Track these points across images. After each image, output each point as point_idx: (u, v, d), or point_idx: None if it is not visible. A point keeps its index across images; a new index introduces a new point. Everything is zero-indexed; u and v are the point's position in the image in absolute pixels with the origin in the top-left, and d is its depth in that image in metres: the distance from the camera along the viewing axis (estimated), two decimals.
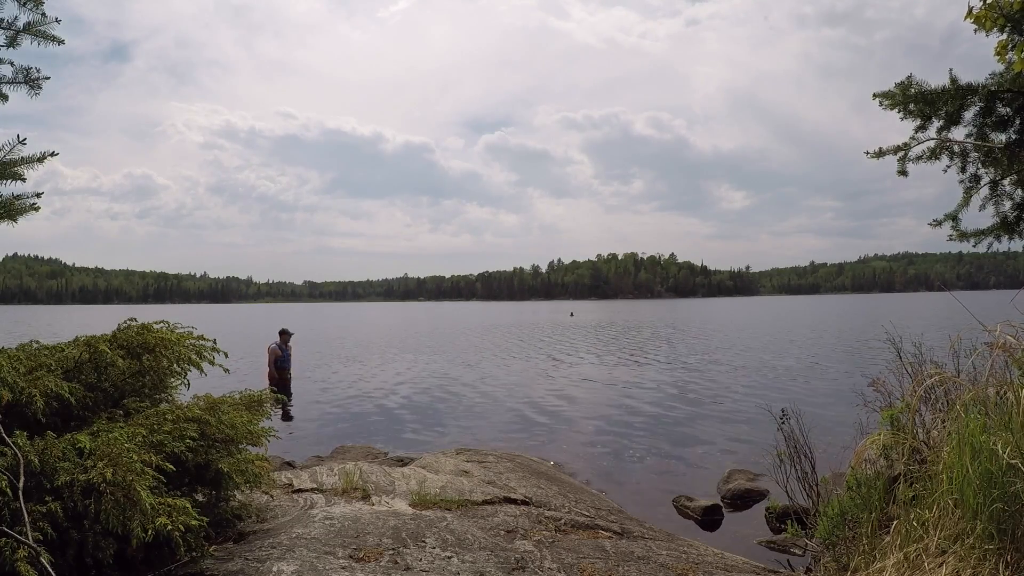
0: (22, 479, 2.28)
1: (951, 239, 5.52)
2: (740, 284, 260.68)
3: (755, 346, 22.01)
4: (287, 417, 10.07)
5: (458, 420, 9.83)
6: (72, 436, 2.65)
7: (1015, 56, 3.67)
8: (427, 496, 4.17)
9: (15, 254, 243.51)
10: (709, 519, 5.34)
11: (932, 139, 5.20)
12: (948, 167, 5.32)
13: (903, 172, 5.36)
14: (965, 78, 4.92)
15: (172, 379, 3.60)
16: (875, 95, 5.22)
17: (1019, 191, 5.17)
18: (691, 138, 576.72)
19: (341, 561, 2.85)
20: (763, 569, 3.55)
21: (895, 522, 2.72)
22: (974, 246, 5.53)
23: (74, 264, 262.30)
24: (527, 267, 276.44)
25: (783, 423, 4.79)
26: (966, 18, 3.67)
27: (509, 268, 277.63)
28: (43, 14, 3.34)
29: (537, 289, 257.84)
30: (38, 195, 3.62)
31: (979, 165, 5.26)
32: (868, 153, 5.43)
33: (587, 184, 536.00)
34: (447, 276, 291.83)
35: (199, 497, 3.20)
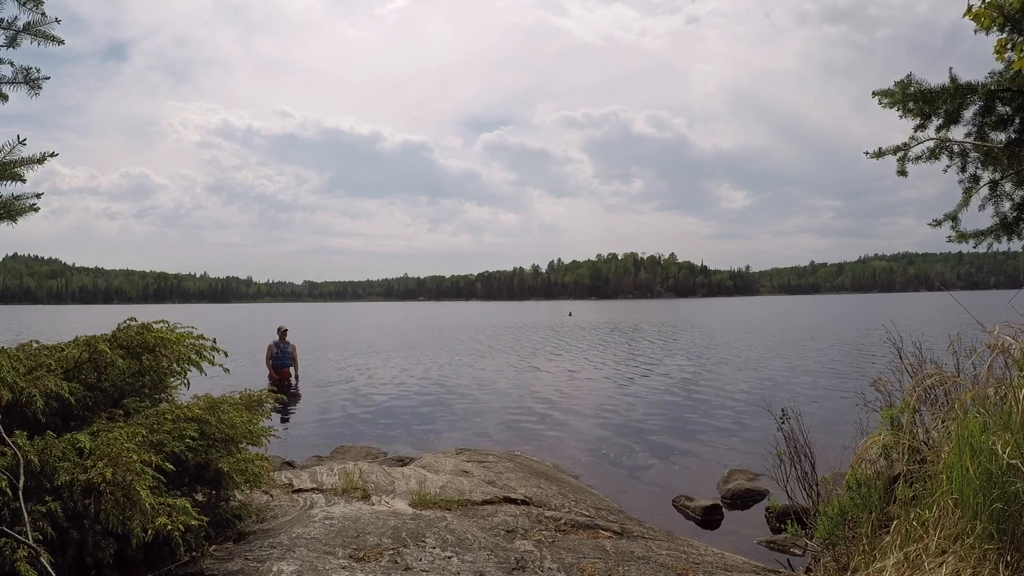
0: (22, 479, 2.28)
1: (950, 240, 5.52)
2: (740, 284, 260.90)
3: (755, 346, 22.01)
4: (285, 417, 10.06)
5: (458, 420, 9.82)
6: (72, 436, 2.65)
7: (1014, 55, 3.67)
8: (427, 496, 4.17)
9: (15, 254, 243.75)
10: (709, 519, 5.34)
11: (932, 138, 5.19)
12: (948, 167, 5.31)
13: (903, 172, 5.35)
14: (968, 76, 4.91)
15: (172, 379, 3.60)
16: (874, 93, 5.21)
17: (1019, 191, 5.16)
18: (691, 137, 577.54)
19: (341, 561, 2.86)
20: (763, 569, 3.55)
21: (895, 522, 2.72)
22: (974, 247, 5.53)
23: (74, 264, 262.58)
24: (527, 267, 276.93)
25: (783, 423, 4.79)
26: (965, 15, 3.68)
27: (509, 268, 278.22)
28: (43, 14, 3.34)
29: (537, 289, 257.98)
30: (37, 195, 3.62)
31: (979, 165, 5.25)
32: (868, 153, 5.42)
33: (587, 183, 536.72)
34: (447, 276, 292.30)
35: (199, 497, 3.20)
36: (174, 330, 3.57)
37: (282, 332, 12.89)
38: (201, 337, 3.64)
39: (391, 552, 3.02)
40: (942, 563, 2.35)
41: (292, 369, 12.96)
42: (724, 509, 5.58)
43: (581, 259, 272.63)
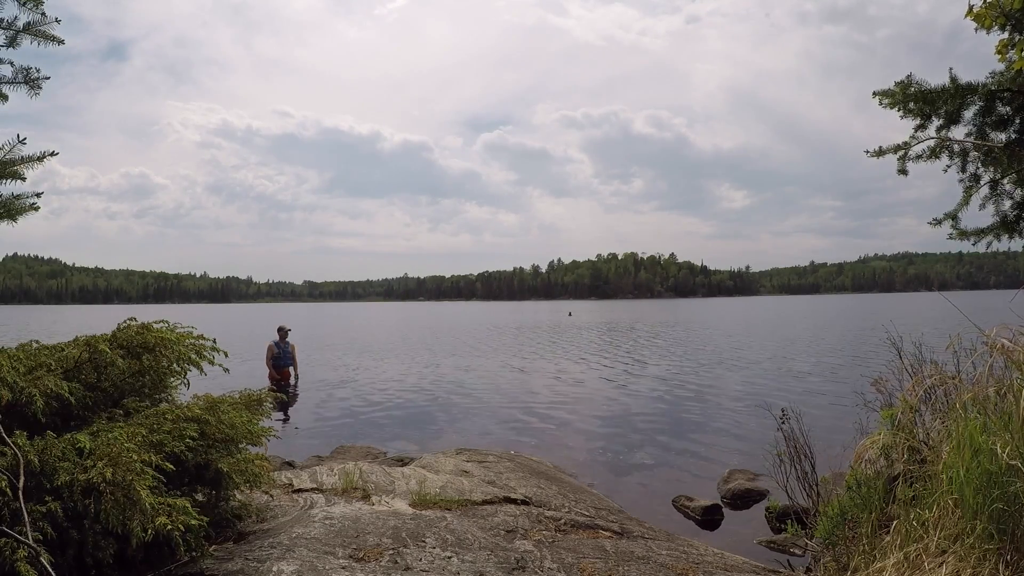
0: (22, 479, 2.27)
1: (951, 237, 5.52)
2: (740, 284, 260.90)
3: (755, 346, 22.01)
4: (285, 417, 10.06)
5: (458, 420, 9.83)
6: (72, 436, 2.65)
7: (1015, 55, 3.67)
8: (427, 496, 4.17)
9: (15, 254, 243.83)
10: (709, 519, 5.34)
11: (932, 138, 5.20)
12: (948, 166, 5.31)
13: (903, 171, 5.36)
14: (969, 76, 4.91)
15: (172, 379, 3.60)
16: (875, 94, 5.21)
17: (1019, 190, 5.17)
18: (691, 137, 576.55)
19: (341, 561, 2.85)
20: (763, 569, 3.55)
21: (895, 522, 2.72)
22: (974, 244, 5.53)
23: (74, 264, 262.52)
24: (527, 267, 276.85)
25: (783, 423, 4.79)
26: (966, 16, 3.67)
27: (509, 268, 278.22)
28: (43, 14, 3.34)
29: (537, 289, 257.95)
30: (37, 195, 3.62)
31: (979, 164, 5.25)
32: (868, 152, 5.42)
33: (587, 183, 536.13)
34: (447, 276, 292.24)
35: (199, 497, 3.20)
36: (174, 330, 3.57)
37: (283, 332, 12.89)
38: (201, 337, 3.64)
39: (391, 552, 3.02)
40: (942, 563, 2.35)
41: (292, 369, 12.97)
42: (724, 509, 5.58)
43: (581, 259, 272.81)
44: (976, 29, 3.83)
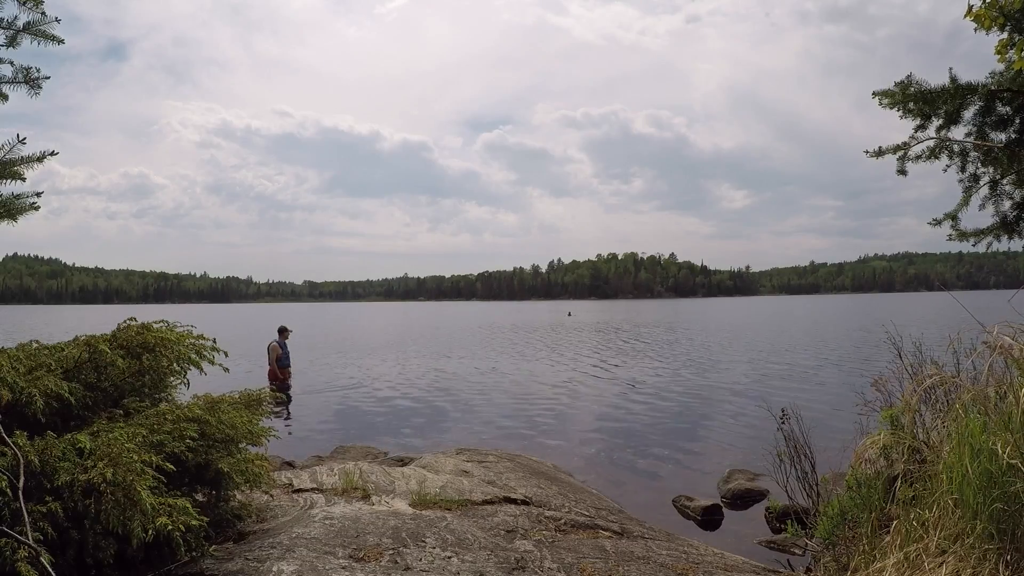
0: (22, 479, 2.27)
1: (951, 239, 5.53)
2: (740, 284, 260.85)
3: (755, 346, 22.01)
4: (286, 418, 10.06)
5: (458, 420, 9.83)
6: (72, 436, 2.65)
7: (1015, 55, 3.67)
8: (427, 496, 4.17)
9: (15, 254, 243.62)
10: (709, 519, 5.34)
11: (932, 138, 5.20)
12: (948, 167, 5.32)
13: (902, 171, 5.36)
14: (969, 76, 4.93)
15: (172, 379, 3.60)
16: (875, 94, 5.22)
17: (1018, 191, 5.17)
18: (691, 136, 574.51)
19: (341, 561, 2.86)
20: (763, 569, 3.55)
21: (895, 522, 2.72)
22: (973, 245, 5.54)
23: (74, 264, 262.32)
24: (527, 267, 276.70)
25: (783, 423, 4.80)
26: (966, 16, 3.67)
27: (509, 268, 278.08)
28: (43, 13, 3.34)
29: (537, 289, 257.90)
30: (37, 195, 3.63)
31: (978, 164, 5.26)
32: (868, 152, 5.43)
33: (587, 183, 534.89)
34: (447, 276, 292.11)
35: (199, 497, 3.20)
36: (174, 330, 3.57)
37: (285, 332, 12.93)
38: (201, 337, 3.64)
39: (391, 552, 3.02)
40: (942, 563, 2.35)
41: (289, 368, 13.06)
42: (724, 509, 5.58)
43: (581, 259, 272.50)
44: (976, 29, 3.83)
